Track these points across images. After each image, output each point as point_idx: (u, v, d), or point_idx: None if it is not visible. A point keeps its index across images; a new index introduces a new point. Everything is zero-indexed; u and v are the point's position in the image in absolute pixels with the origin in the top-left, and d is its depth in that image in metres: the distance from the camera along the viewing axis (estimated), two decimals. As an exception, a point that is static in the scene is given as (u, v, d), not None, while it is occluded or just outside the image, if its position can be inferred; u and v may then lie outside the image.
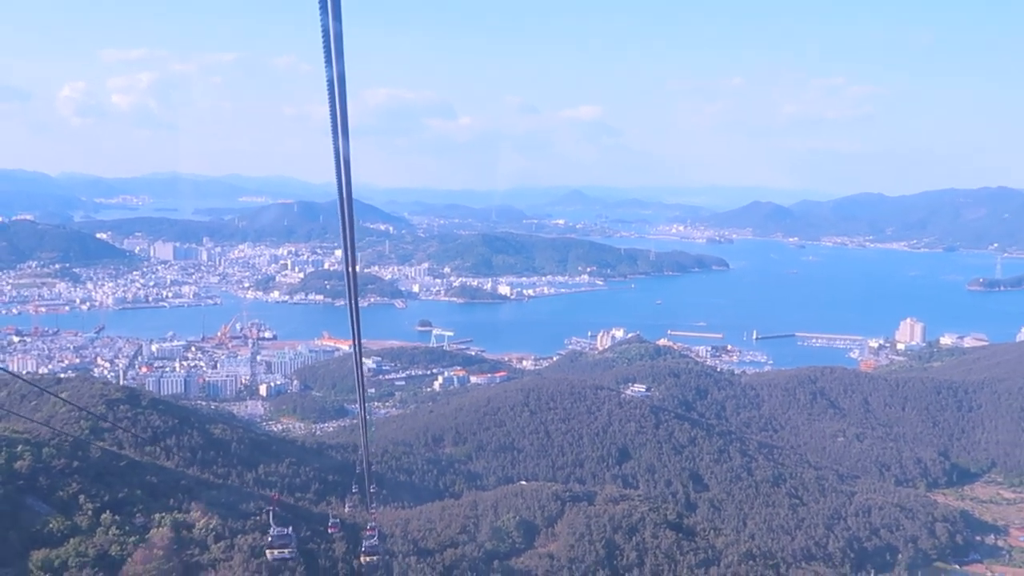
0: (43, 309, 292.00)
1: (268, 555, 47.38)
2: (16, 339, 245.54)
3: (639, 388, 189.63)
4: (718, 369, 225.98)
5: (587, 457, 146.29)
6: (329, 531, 66.75)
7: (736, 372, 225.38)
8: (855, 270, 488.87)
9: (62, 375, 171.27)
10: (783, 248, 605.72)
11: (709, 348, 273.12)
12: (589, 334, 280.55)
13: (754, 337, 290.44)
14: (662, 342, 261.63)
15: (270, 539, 45.51)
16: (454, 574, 75.16)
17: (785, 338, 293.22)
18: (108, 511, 63.35)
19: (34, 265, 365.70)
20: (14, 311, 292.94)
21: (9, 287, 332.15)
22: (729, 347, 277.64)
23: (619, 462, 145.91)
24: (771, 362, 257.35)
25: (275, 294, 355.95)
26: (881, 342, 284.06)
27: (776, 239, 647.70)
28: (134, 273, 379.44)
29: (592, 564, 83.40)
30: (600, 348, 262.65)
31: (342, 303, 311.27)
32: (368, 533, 48.21)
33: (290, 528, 46.81)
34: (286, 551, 45.54)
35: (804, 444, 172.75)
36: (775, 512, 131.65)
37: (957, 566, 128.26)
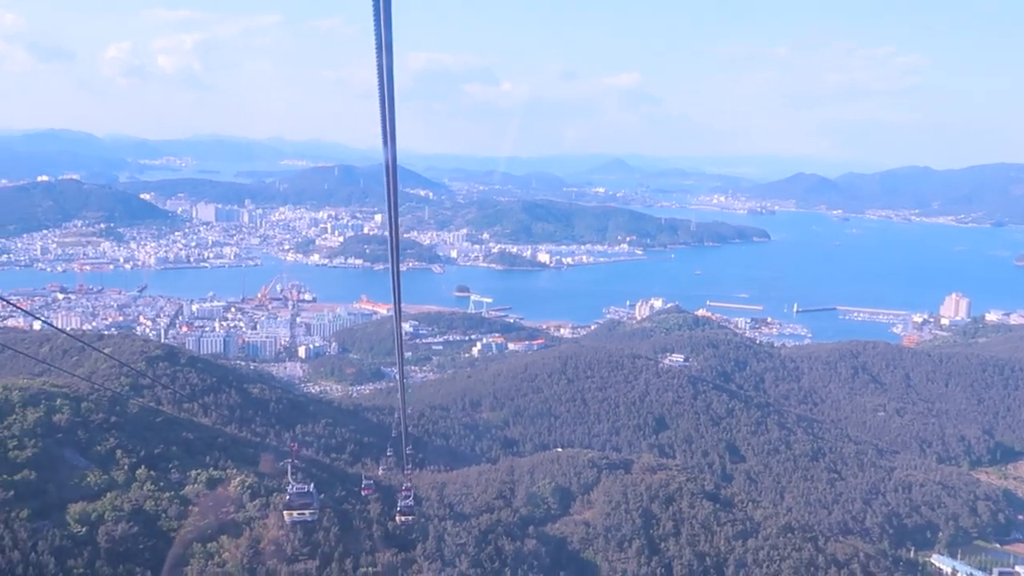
0: (88, 267, 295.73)
1: (286, 516, 38.85)
2: (61, 296, 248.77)
3: (677, 358, 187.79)
4: (757, 341, 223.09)
5: (624, 425, 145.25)
6: (362, 492, 65.92)
7: (776, 345, 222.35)
8: (900, 244, 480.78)
9: (105, 332, 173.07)
10: (826, 221, 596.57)
11: (748, 320, 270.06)
12: (628, 303, 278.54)
13: (795, 310, 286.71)
14: (701, 313, 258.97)
15: (288, 497, 37.94)
16: (489, 538, 74.67)
17: (826, 311, 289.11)
18: (144, 466, 63.64)
19: (80, 224, 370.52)
20: (60, 269, 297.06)
21: (55, 245, 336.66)
22: (769, 319, 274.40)
23: (656, 431, 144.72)
24: (811, 335, 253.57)
25: (315, 257, 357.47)
26: (925, 317, 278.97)
27: (819, 211, 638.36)
28: (176, 234, 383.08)
29: (628, 532, 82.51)
30: (638, 317, 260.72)
31: (381, 267, 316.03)
32: (404, 494, 47.49)
33: (311, 485, 39.09)
34: (307, 512, 38.01)
35: (844, 418, 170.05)
36: (813, 486, 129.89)
37: (999, 545, 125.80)
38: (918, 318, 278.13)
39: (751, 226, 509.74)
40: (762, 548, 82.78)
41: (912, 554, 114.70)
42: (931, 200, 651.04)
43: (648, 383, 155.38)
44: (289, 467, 38.58)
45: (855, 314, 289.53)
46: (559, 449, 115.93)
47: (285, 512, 38.29)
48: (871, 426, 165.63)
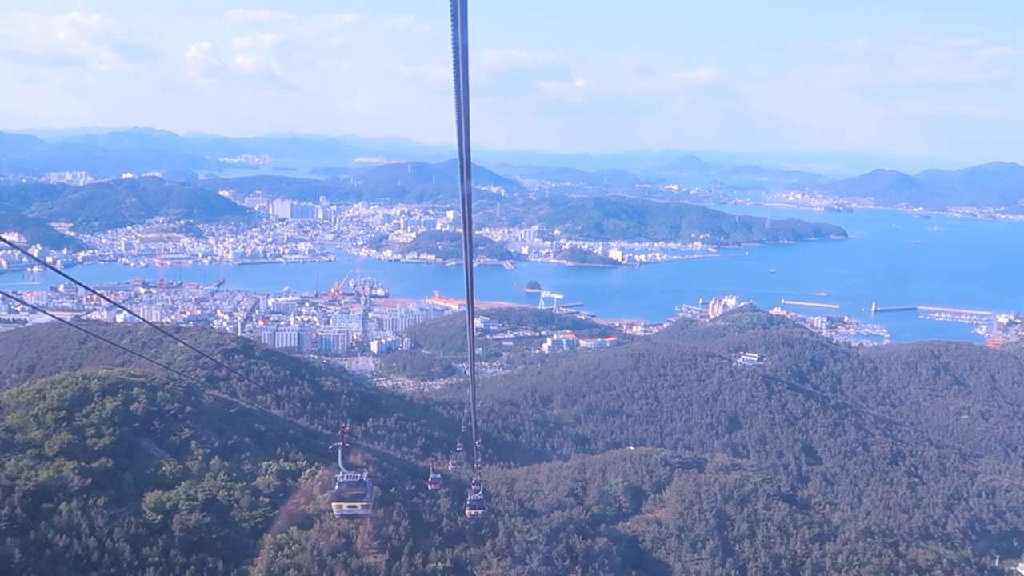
0: (168, 262, 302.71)
1: (335, 509, 33.55)
2: (143, 290, 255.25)
3: (751, 357, 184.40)
4: (834, 341, 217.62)
5: (696, 424, 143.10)
6: (429, 487, 64.69)
7: (853, 344, 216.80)
8: (984, 242, 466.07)
9: (183, 325, 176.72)
10: (906, 218, 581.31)
11: (825, 319, 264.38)
12: (700, 302, 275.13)
13: (873, 309, 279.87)
14: (775, 311, 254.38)
15: (337, 487, 32.41)
16: (561, 536, 73.71)
17: (906, 311, 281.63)
18: (217, 457, 64.15)
19: (161, 220, 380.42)
20: (142, 263, 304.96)
21: (138, 241, 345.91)
22: (846, 318, 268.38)
23: (729, 431, 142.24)
24: (890, 335, 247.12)
25: (387, 252, 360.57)
26: (1011, 318, 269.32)
27: (899, 209, 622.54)
28: (253, 230, 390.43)
29: (702, 533, 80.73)
30: (711, 316, 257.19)
31: (453, 263, 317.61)
32: (473, 488, 46.87)
33: (365, 473, 33.62)
34: (359, 505, 32.64)
35: (925, 421, 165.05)
36: (892, 489, 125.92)
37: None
38: (1003, 319, 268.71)
39: (828, 224, 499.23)
40: (840, 552, 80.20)
41: (997, 562, 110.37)
42: (1018, 197, 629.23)
43: (721, 382, 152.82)
44: (339, 452, 32.13)
45: (936, 314, 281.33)
46: (631, 447, 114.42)
47: (334, 505, 32.78)
48: (953, 429, 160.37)
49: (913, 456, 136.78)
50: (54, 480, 52.42)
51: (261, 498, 60.59)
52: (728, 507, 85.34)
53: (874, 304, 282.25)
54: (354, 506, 32.52)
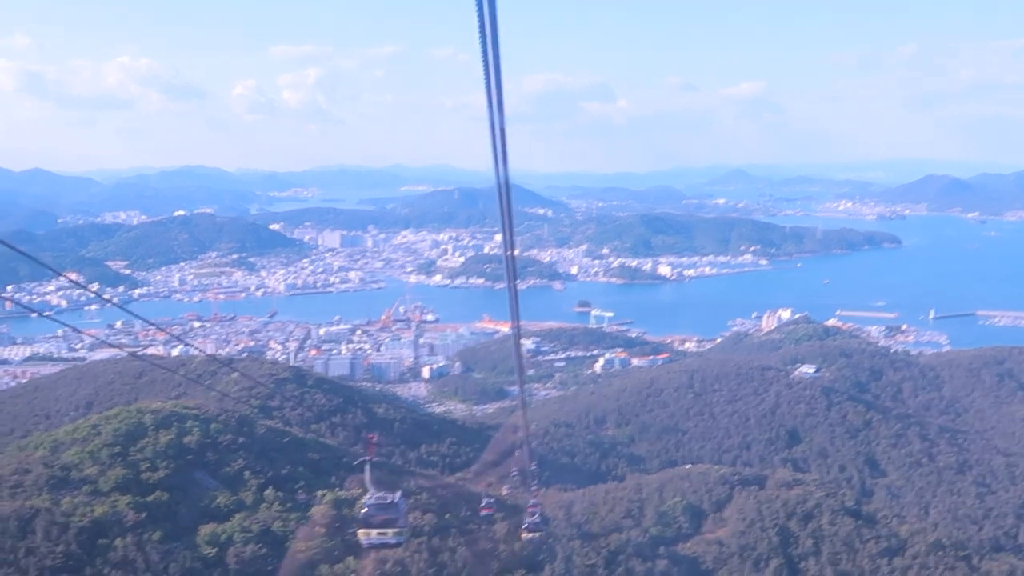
0: (221, 296, 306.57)
1: (361, 538, 27.70)
2: (197, 324, 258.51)
3: (808, 369, 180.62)
4: (892, 350, 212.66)
5: (754, 440, 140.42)
6: (482, 512, 63.27)
7: (912, 353, 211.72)
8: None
9: (237, 357, 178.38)
10: (961, 223, 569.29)
11: (882, 328, 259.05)
12: (754, 315, 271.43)
13: (931, 316, 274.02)
14: (831, 323, 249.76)
15: (364, 511, 27.22)
16: (619, 559, 72.41)
17: (965, 317, 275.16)
18: (272, 487, 64.16)
19: (214, 255, 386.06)
20: (196, 299, 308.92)
21: (191, 276, 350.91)
22: (904, 327, 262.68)
23: (788, 445, 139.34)
24: (949, 342, 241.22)
25: (437, 278, 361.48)
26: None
27: (953, 214, 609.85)
28: (304, 261, 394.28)
29: (765, 551, 78.84)
30: (765, 329, 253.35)
31: (501, 286, 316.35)
32: (530, 511, 45.96)
33: (398, 494, 28.04)
34: (389, 532, 27.08)
35: (991, 429, 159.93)
36: (960, 500, 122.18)
37: None
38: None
39: (881, 232, 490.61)
40: (911, 567, 77.78)
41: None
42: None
43: (779, 395, 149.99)
44: (366, 469, 26.87)
45: (996, 319, 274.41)
46: (688, 465, 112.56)
47: (360, 533, 27.02)
48: (1021, 437, 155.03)
49: (980, 465, 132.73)
50: (109, 515, 52.70)
51: (316, 528, 60.30)
52: (791, 524, 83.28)
53: (932, 311, 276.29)
54: (384, 533, 26.98)
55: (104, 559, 48.60)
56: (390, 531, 27.12)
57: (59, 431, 69.43)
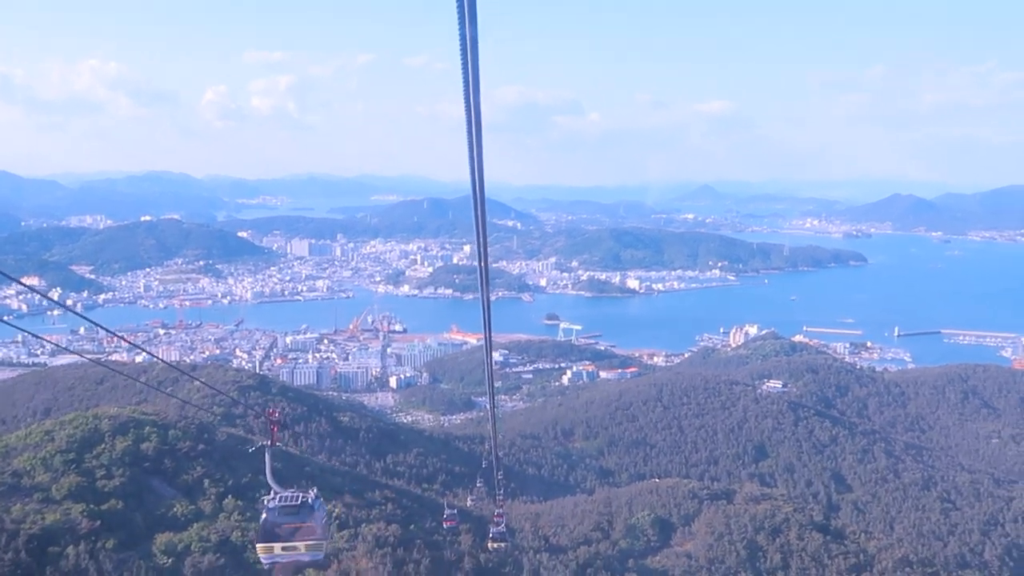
0: (187, 303, 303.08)
1: (261, 555, 19.98)
2: (162, 331, 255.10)
3: (775, 384, 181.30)
4: (858, 366, 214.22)
5: (722, 454, 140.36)
6: (445, 524, 61.01)
7: (878, 369, 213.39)
8: (1005, 265, 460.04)
9: (202, 365, 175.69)
10: (925, 243, 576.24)
11: (847, 345, 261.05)
12: (721, 330, 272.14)
13: (895, 334, 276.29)
14: (798, 339, 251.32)
15: (264, 515, 19.53)
16: (588, 572, 71.36)
17: (929, 335, 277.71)
18: (231, 496, 62.42)
19: (180, 262, 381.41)
20: (161, 305, 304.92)
21: (157, 282, 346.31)
22: (869, 344, 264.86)
23: (756, 460, 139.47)
24: (914, 360, 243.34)
25: (405, 288, 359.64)
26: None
27: (918, 233, 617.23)
28: (272, 269, 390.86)
29: (733, 565, 78.22)
30: (733, 344, 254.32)
31: (470, 297, 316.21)
32: (496, 520, 44.86)
33: (313, 493, 20.14)
34: (301, 546, 19.43)
35: (955, 445, 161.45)
36: (925, 516, 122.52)
37: None
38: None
39: (847, 249, 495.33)
40: (879, 583, 77.46)
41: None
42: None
43: (746, 410, 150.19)
44: (268, 458, 20.14)
45: (960, 337, 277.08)
46: (656, 479, 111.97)
47: (260, 547, 19.50)
48: (984, 454, 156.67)
49: (945, 482, 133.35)
50: (61, 523, 50.83)
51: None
52: (759, 538, 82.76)
53: (897, 329, 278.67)
54: (293, 548, 19.22)
55: (55, 567, 46.78)
56: (302, 544, 19.03)
57: (10, 436, 67.32)
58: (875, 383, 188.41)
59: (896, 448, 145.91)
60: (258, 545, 19.35)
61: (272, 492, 19.57)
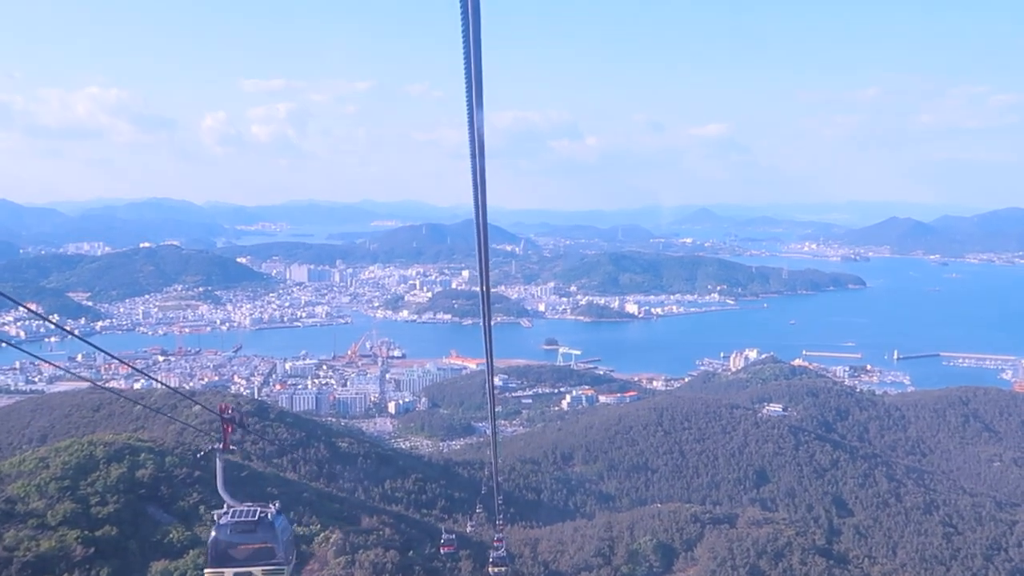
0: (187, 330, 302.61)
1: None
2: (161, 358, 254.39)
3: (776, 408, 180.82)
4: (858, 390, 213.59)
5: (723, 479, 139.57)
6: (442, 550, 59.61)
7: (877, 393, 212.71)
8: (1003, 287, 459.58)
9: (200, 392, 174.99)
10: (923, 266, 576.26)
11: (847, 368, 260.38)
12: (721, 355, 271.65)
13: (895, 357, 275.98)
14: (797, 362, 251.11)
15: (214, 533, 16.57)
16: (588, 599, 70.72)
17: (929, 358, 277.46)
18: (228, 522, 61.68)
19: (179, 288, 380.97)
20: (160, 332, 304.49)
21: (156, 309, 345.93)
22: (868, 367, 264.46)
23: (757, 485, 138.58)
24: (913, 383, 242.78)
25: (404, 313, 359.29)
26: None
27: (916, 256, 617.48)
28: (271, 295, 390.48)
29: (736, 592, 77.60)
30: (733, 369, 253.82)
31: (469, 322, 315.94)
32: (496, 544, 44.33)
33: (274, 508, 16.77)
34: (257, 573, 16.21)
35: (957, 469, 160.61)
36: (928, 540, 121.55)
37: None
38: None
39: (845, 273, 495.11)
40: (883, 609, 76.69)
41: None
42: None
43: (747, 434, 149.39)
44: (219, 465, 17.59)
45: (959, 360, 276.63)
46: (658, 504, 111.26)
47: (208, 573, 16.48)
48: (986, 477, 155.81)
49: (947, 506, 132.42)
50: (56, 550, 50.15)
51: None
52: (762, 563, 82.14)
53: (896, 352, 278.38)
54: (249, 574, 16.08)
55: (48, 596, 46.39)
56: (259, 570, 15.97)
57: (4, 463, 66.80)
58: (875, 406, 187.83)
59: (897, 472, 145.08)
60: (207, 571, 16.29)
61: (225, 506, 16.62)
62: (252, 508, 16.29)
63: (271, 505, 16.64)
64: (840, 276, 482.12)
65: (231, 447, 17.03)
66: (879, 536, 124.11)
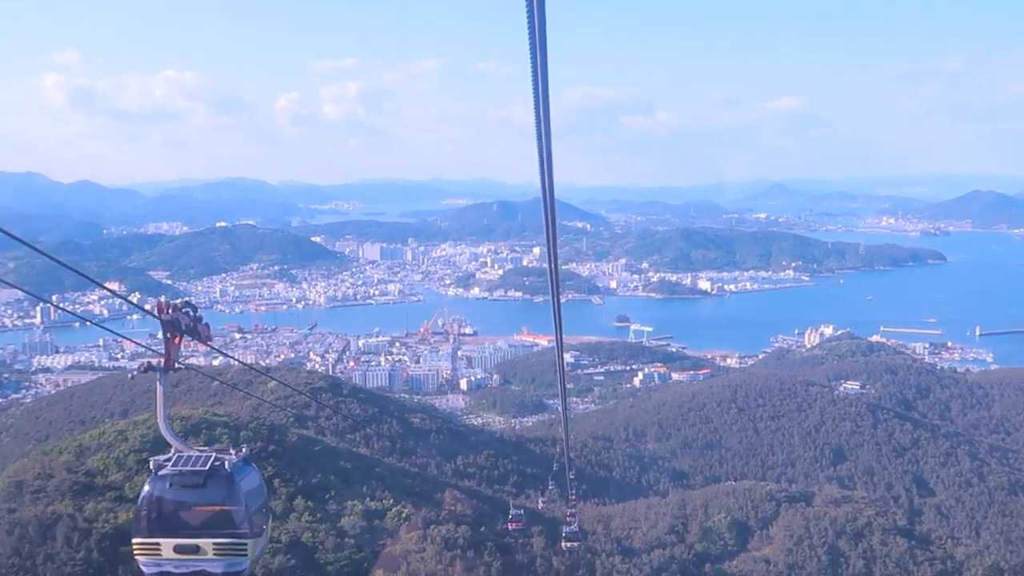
0: (263, 308, 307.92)
1: (138, 556, 10.24)
2: (238, 336, 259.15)
3: (853, 385, 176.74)
4: (938, 367, 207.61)
5: (799, 457, 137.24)
6: (510, 526, 58.62)
7: (959, 370, 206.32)
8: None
9: (276, 368, 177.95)
10: (1007, 240, 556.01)
11: (927, 345, 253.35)
12: (796, 331, 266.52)
13: (977, 334, 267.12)
14: (875, 339, 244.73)
15: (146, 489, 10.38)
16: (662, 576, 69.93)
17: (1014, 334, 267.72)
18: (301, 496, 62.44)
19: (255, 267, 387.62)
20: (237, 310, 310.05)
21: (233, 288, 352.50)
22: (949, 344, 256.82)
23: (834, 463, 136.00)
24: (996, 360, 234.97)
25: (475, 291, 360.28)
26: None
27: (999, 230, 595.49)
28: (344, 273, 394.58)
29: (813, 570, 75.89)
30: (808, 345, 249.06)
31: (540, 299, 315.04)
32: (569, 520, 43.89)
33: (239, 453, 10.65)
34: (207, 547, 9.94)
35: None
36: (1013, 522, 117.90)
37: None
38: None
39: (925, 248, 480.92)
40: (967, 591, 74.40)
41: None
42: None
43: (823, 411, 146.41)
44: (159, 385, 10.91)
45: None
46: (731, 481, 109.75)
47: (137, 545, 10.41)
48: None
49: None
50: (133, 522, 51.04)
51: (346, 539, 58.50)
52: (841, 542, 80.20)
53: (978, 328, 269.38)
54: (195, 549, 10.10)
55: (127, 567, 47.03)
56: (210, 543, 10.15)
57: (84, 436, 68.39)
58: (957, 384, 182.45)
59: (980, 451, 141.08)
60: (134, 541, 10.37)
61: (171, 450, 10.70)
62: (208, 454, 10.46)
63: (236, 450, 10.79)
64: (919, 251, 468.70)
65: (177, 365, 10.73)
66: (961, 517, 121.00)
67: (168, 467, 10.49)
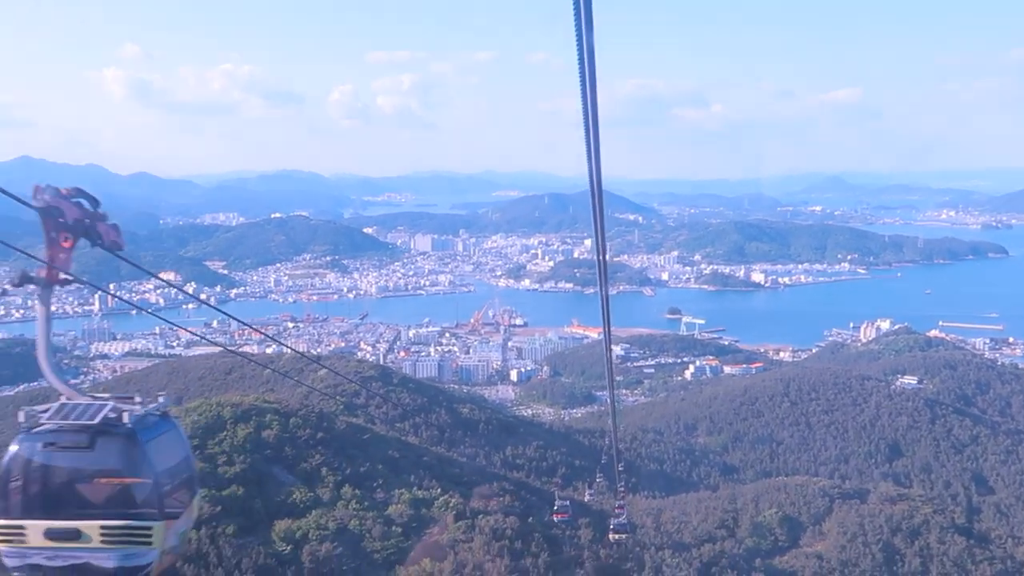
0: (315, 297, 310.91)
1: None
2: (291, 325, 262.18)
3: (910, 380, 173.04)
4: (999, 363, 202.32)
5: (853, 453, 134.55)
6: (555, 518, 58.42)
7: (1020, 366, 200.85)
8: None
9: (327, 356, 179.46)
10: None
11: (987, 340, 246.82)
12: (851, 325, 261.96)
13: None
14: (933, 333, 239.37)
15: (17, 446, 6.62)
16: (713, 571, 68.86)
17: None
18: (349, 484, 62.53)
19: (308, 257, 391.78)
20: (290, 299, 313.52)
21: (286, 277, 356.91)
22: (1011, 339, 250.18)
23: (889, 459, 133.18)
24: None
25: (526, 282, 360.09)
26: None
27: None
28: (395, 264, 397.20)
29: (868, 568, 74.24)
30: (864, 339, 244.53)
31: (591, 291, 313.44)
32: (617, 511, 43.24)
33: (155, 401, 7.33)
34: (93, 536, 6.35)
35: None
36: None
37: None
38: None
39: (986, 241, 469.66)
40: (1029, 593, 72.30)
41: None
42: None
43: (879, 406, 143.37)
44: (39, 309, 7.12)
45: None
46: (784, 476, 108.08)
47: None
48: None
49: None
50: (184, 508, 51.48)
51: (393, 528, 58.46)
52: (896, 540, 78.34)
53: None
54: (75, 534, 6.37)
55: (177, 552, 47.49)
56: (95, 527, 6.39)
57: (139, 422, 69.12)
58: (1019, 380, 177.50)
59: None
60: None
61: (60, 400, 7.02)
62: (99, 404, 6.92)
63: (141, 400, 7.38)
64: (980, 244, 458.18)
65: (64, 276, 7.13)
66: (1022, 516, 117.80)
67: (45, 421, 6.90)
